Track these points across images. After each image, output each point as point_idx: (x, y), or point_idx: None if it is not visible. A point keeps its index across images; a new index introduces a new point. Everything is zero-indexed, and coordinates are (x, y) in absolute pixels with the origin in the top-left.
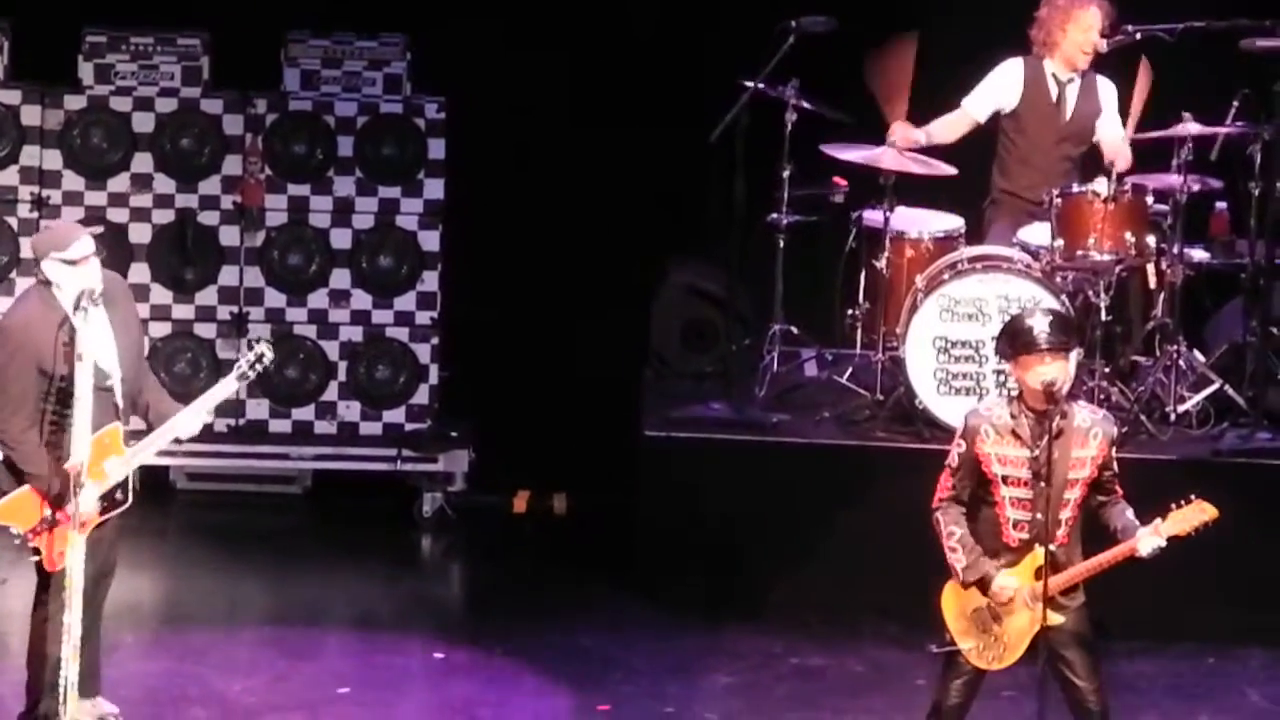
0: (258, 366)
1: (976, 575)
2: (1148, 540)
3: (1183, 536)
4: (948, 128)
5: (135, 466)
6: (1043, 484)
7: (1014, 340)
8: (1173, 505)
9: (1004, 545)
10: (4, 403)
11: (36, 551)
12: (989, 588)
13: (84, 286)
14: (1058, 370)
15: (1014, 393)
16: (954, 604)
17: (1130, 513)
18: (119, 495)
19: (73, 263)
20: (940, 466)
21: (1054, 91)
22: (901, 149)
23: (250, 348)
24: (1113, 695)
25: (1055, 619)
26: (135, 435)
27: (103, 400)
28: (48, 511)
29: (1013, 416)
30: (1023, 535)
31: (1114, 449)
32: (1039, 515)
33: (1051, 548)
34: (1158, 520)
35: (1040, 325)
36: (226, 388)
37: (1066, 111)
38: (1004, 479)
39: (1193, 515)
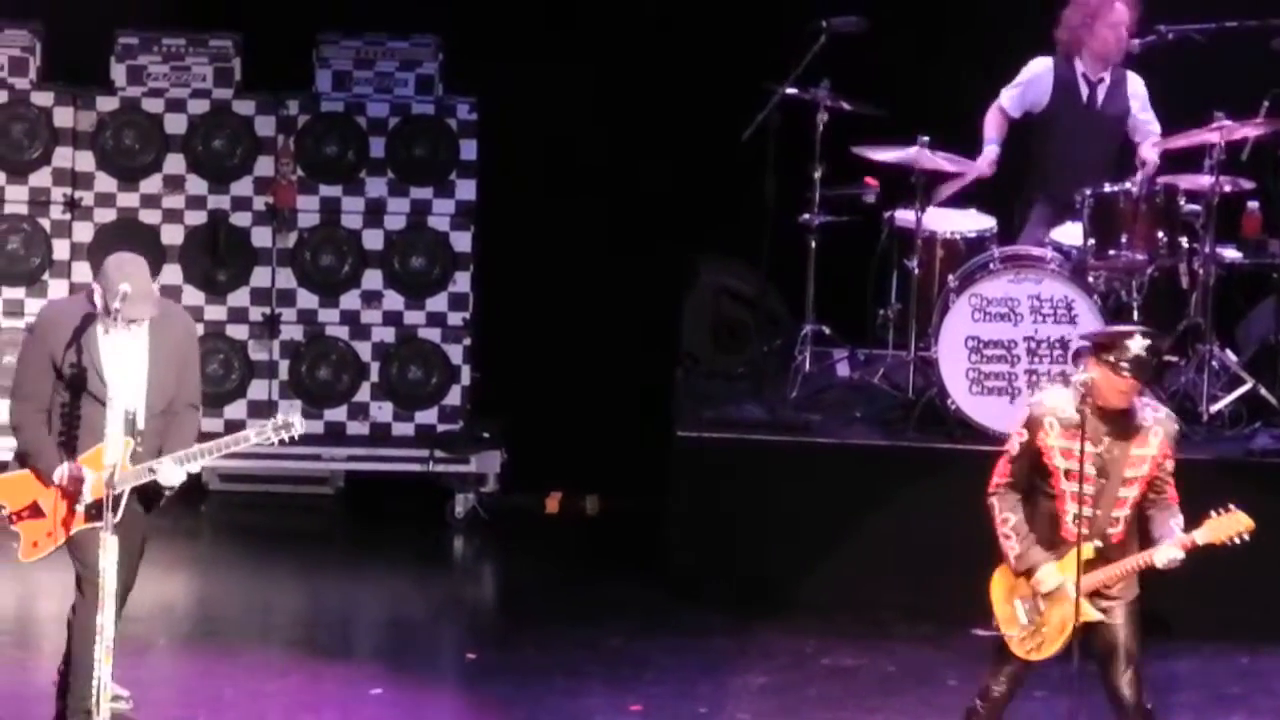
0: (281, 434)
1: (1027, 564)
2: (1163, 552)
3: (1218, 545)
4: (995, 125)
5: (121, 487)
6: (1104, 480)
7: (1107, 350)
8: (1212, 512)
9: (1061, 539)
10: (18, 380)
11: (17, 537)
12: (1031, 577)
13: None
14: (1136, 390)
15: (1081, 386)
16: (1002, 590)
17: (1175, 520)
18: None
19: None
20: (972, 465)
21: (1084, 91)
22: (991, 166)
23: (282, 420)
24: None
25: (1093, 614)
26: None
27: (125, 419)
28: (42, 501)
29: (1078, 411)
30: (1080, 530)
31: (1173, 447)
32: (1098, 511)
33: (1099, 544)
34: (1181, 534)
35: (1138, 350)
36: (234, 444)
37: (1097, 109)
38: (1065, 473)
39: (1228, 525)
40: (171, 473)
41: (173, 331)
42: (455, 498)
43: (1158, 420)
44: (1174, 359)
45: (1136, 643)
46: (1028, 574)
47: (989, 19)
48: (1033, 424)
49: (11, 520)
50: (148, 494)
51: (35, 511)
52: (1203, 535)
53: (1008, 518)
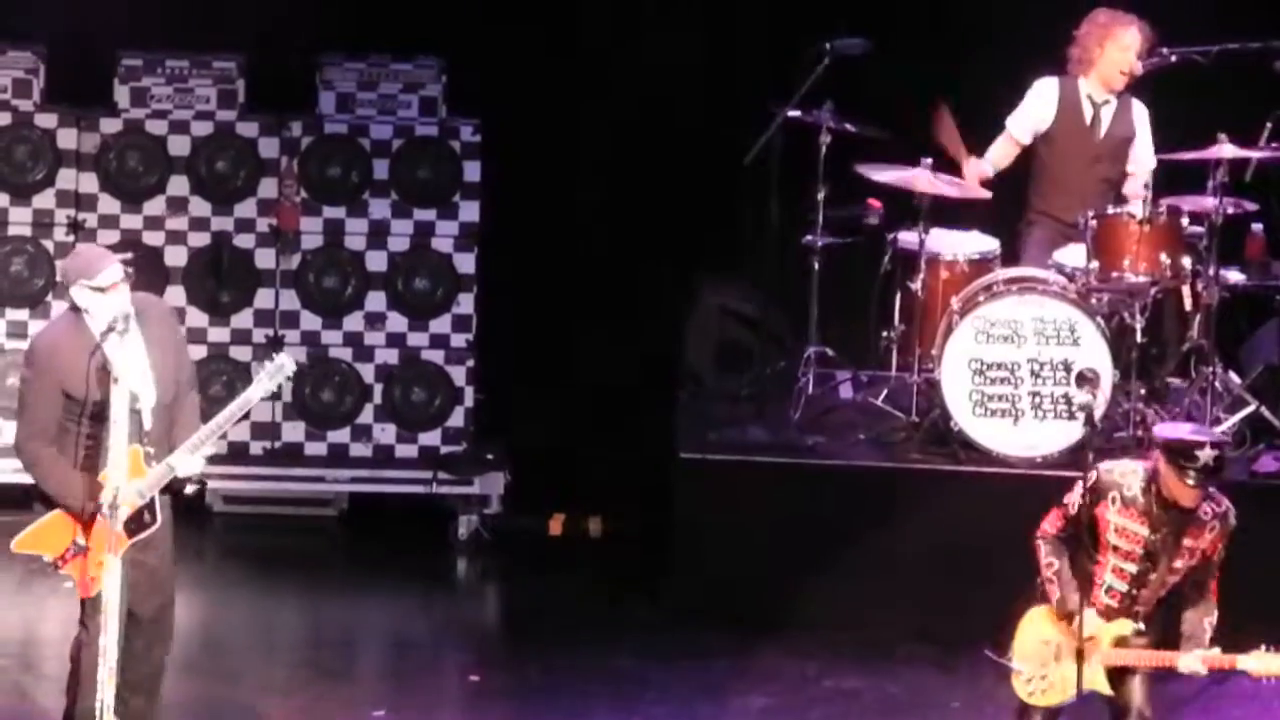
0: (278, 378)
1: (1067, 609)
2: (1188, 660)
3: (1255, 677)
4: (1001, 154)
5: (150, 494)
6: (1150, 565)
7: (1176, 455)
8: (1263, 646)
9: (1090, 603)
10: (24, 420)
11: (69, 578)
12: (1072, 621)
13: (113, 313)
14: (1201, 495)
15: (1150, 469)
16: (1030, 627)
17: (1209, 619)
18: (146, 518)
19: (101, 290)
20: (975, 487)
21: (1089, 113)
22: (980, 184)
23: (273, 365)
24: None
25: (1105, 690)
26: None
27: (131, 421)
28: (79, 537)
29: (1144, 493)
30: (1111, 603)
31: (1226, 542)
32: (1133, 591)
33: (1140, 628)
34: (1210, 650)
35: (1206, 459)
36: (240, 410)
37: (1100, 133)
38: (1114, 549)
39: (1273, 664)
40: (188, 463)
41: (158, 320)
42: (458, 519)
43: (1217, 514)
44: (1177, 380)
45: (1150, 706)
46: (1069, 618)
47: (993, 41)
48: (1097, 493)
49: (57, 567)
50: (175, 491)
51: (77, 550)
52: (1245, 663)
53: (1052, 563)
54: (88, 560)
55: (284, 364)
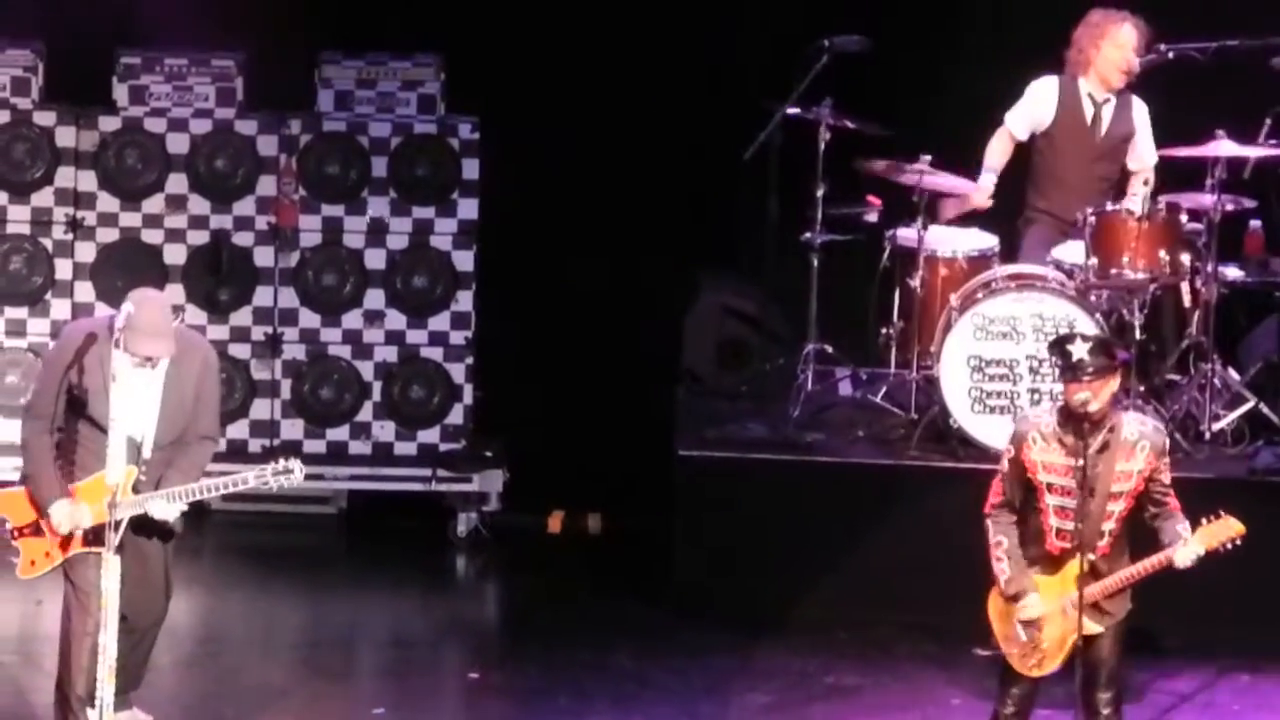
0: (280, 479)
1: (1015, 589)
2: (1184, 551)
3: (1210, 551)
4: (1000, 152)
5: (119, 515)
6: (1089, 495)
7: (1055, 361)
8: (1202, 520)
9: (1046, 553)
10: (34, 404)
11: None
12: (1017, 603)
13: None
14: (1090, 394)
15: (1061, 401)
16: (999, 608)
17: (1182, 525)
18: (103, 535)
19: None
20: (974, 484)
21: (1089, 111)
22: (989, 198)
23: (282, 465)
24: (1146, 712)
25: (1093, 628)
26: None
27: (129, 446)
28: (43, 521)
29: (1060, 425)
30: (1064, 544)
31: (1163, 460)
32: (1080, 525)
33: (1091, 557)
34: (1189, 535)
35: (1079, 353)
36: (230, 486)
37: (1101, 131)
38: (1049, 487)
39: (1220, 531)
40: (161, 508)
41: (191, 365)
42: (458, 516)
43: (1144, 434)
44: (1176, 377)
45: (1120, 662)
46: (1014, 599)
47: (992, 38)
48: (1017, 439)
49: (13, 536)
50: (156, 526)
51: (36, 530)
52: (1195, 542)
53: (1000, 540)
54: (37, 544)
55: (295, 471)
